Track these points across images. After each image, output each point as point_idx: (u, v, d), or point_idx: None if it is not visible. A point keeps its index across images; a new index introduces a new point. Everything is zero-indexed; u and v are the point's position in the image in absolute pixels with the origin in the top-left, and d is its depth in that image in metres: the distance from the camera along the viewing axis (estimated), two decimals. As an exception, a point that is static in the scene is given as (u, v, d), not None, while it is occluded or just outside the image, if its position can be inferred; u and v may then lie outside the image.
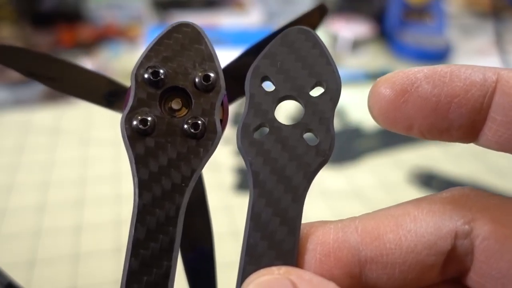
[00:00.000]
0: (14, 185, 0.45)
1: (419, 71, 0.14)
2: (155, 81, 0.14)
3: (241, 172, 0.47)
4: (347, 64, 0.71)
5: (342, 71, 0.16)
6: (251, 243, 0.14)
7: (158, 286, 0.14)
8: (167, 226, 0.14)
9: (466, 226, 0.14)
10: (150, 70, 0.14)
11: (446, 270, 0.14)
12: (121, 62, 0.67)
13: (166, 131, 0.14)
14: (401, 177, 0.47)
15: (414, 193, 0.45)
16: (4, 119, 0.55)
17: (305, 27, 0.15)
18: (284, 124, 0.15)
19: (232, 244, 0.38)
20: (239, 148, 0.15)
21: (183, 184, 0.14)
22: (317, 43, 0.15)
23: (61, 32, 0.70)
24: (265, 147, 0.14)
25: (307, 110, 0.15)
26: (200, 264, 0.20)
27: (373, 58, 0.74)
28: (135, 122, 0.14)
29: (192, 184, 0.14)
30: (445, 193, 0.15)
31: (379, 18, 0.79)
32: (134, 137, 0.14)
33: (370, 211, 0.15)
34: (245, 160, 0.15)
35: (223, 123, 0.15)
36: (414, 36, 0.74)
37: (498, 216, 0.13)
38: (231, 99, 0.18)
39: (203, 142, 0.14)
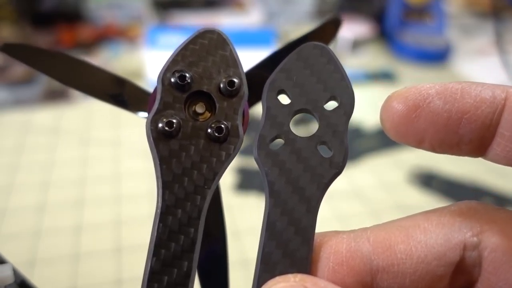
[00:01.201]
0: (14, 185, 0.45)
1: (431, 87, 0.14)
2: (181, 85, 0.14)
3: (241, 172, 0.47)
4: (347, 64, 0.71)
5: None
6: (266, 251, 0.14)
7: (178, 286, 0.14)
8: (189, 227, 0.14)
9: (475, 238, 0.14)
10: (177, 74, 0.14)
11: (455, 280, 0.14)
12: (121, 62, 0.67)
13: (191, 134, 0.14)
14: (401, 177, 0.48)
15: (414, 193, 0.45)
16: (4, 119, 0.55)
17: (320, 43, 0.16)
18: (299, 136, 0.15)
19: (232, 244, 0.38)
20: (255, 158, 0.15)
21: (206, 187, 0.14)
22: (332, 59, 0.15)
23: (61, 32, 0.70)
24: (281, 158, 0.15)
25: (321, 123, 0.15)
26: (213, 265, 0.20)
27: (373, 58, 0.74)
28: (160, 124, 0.14)
29: (214, 186, 0.14)
30: (453, 207, 0.15)
31: (379, 18, 0.79)
32: (159, 138, 0.14)
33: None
34: (261, 170, 0.15)
35: (243, 127, 0.15)
36: (414, 36, 0.74)
37: (506, 229, 0.14)
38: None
39: (226, 146, 0.15)
